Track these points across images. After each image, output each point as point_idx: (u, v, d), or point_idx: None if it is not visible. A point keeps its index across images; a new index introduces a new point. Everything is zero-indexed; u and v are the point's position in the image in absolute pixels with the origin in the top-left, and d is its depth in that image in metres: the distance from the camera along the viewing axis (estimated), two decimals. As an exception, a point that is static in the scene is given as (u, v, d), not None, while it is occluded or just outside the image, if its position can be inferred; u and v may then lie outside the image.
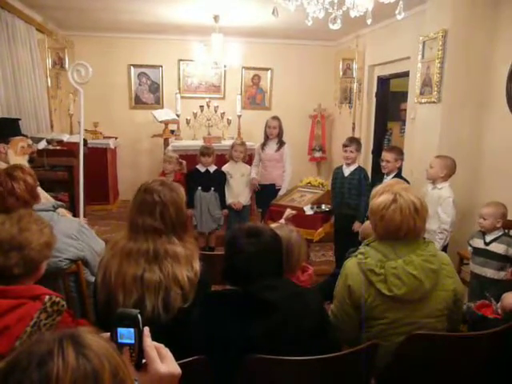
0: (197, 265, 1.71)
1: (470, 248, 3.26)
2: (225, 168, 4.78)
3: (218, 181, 4.64)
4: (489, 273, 3.02)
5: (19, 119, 3.41)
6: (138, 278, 1.63)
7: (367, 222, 2.56)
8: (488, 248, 3.05)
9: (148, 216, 1.70)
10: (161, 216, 1.70)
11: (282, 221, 2.99)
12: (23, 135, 3.36)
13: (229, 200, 4.70)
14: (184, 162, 4.81)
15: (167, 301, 1.61)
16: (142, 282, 1.62)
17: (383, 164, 3.90)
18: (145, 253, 1.66)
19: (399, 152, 3.92)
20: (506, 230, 3.17)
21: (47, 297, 1.57)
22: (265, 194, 4.82)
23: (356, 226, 4.04)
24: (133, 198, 1.79)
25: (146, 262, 1.65)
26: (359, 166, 4.22)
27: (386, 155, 3.88)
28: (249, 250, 1.62)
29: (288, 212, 3.26)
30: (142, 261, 1.65)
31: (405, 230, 1.77)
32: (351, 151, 4.13)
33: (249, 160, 5.05)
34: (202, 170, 4.62)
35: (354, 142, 4.21)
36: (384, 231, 1.81)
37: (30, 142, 3.41)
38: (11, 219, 1.70)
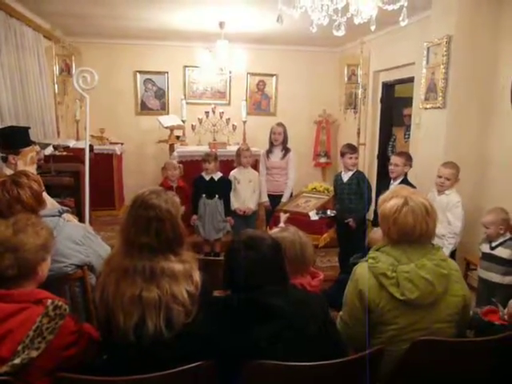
0: (197, 276, 1.67)
1: (480, 253, 3.27)
2: (233, 173, 4.79)
3: (222, 188, 4.64)
4: (494, 277, 3.02)
5: (29, 128, 3.39)
6: (136, 297, 1.57)
7: (375, 229, 2.57)
8: (493, 252, 3.06)
9: (143, 233, 1.63)
10: (156, 233, 1.63)
11: (282, 225, 3.01)
12: (32, 142, 3.37)
13: (234, 205, 4.70)
14: (181, 166, 4.82)
15: (170, 318, 1.57)
16: (141, 301, 1.57)
17: (391, 168, 3.90)
18: (141, 272, 1.60)
19: (408, 157, 3.94)
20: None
21: (49, 301, 1.57)
22: (274, 203, 4.82)
23: (350, 222, 4.07)
24: (127, 210, 1.71)
25: (143, 281, 1.59)
26: (357, 170, 4.25)
27: (395, 159, 3.90)
28: (247, 263, 1.62)
29: (283, 216, 3.33)
30: (138, 280, 1.59)
31: (418, 232, 1.78)
32: (356, 157, 4.18)
33: (254, 165, 5.05)
34: (207, 177, 4.62)
35: (356, 149, 4.28)
36: (397, 235, 1.81)
37: (37, 148, 3.41)
38: (7, 222, 1.70)
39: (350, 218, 4.10)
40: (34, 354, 1.47)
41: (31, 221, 1.74)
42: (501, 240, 3.06)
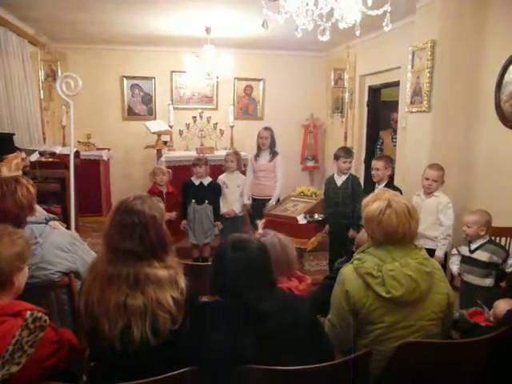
0: (182, 282, 1.66)
1: (454, 253, 3.27)
2: (221, 178, 4.79)
3: (212, 193, 4.64)
4: (474, 280, 3.02)
5: (13, 134, 3.37)
6: (121, 304, 1.56)
7: (362, 232, 2.60)
8: (472, 256, 3.06)
9: (127, 239, 1.62)
10: (140, 239, 1.63)
11: (260, 231, 3.04)
12: (17, 148, 3.34)
13: (223, 210, 4.70)
14: (170, 171, 4.82)
15: (156, 325, 1.56)
16: (126, 308, 1.56)
17: (373, 172, 3.95)
18: (125, 278, 1.59)
19: (389, 160, 3.98)
20: (493, 237, 3.19)
21: (28, 313, 1.53)
22: (259, 207, 4.81)
23: (351, 232, 4.07)
24: (111, 216, 1.70)
25: (128, 288, 1.58)
26: (351, 174, 4.26)
27: (376, 163, 3.93)
28: (236, 265, 1.62)
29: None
30: (123, 287, 1.58)
31: (401, 232, 1.84)
32: (350, 162, 4.20)
33: (244, 170, 5.06)
34: (197, 182, 4.61)
35: (351, 153, 4.28)
36: (382, 236, 1.87)
37: (23, 155, 3.39)
38: None
39: (344, 223, 4.10)
40: (15, 368, 1.44)
41: (7, 230, 1.72)
42: (480, 243, 3.05)
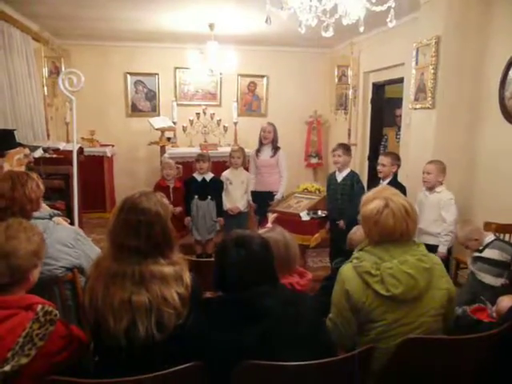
0: (187, 278, 1.66)
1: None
2: (225, 174, 4.79)
3: (214, 189, 4.65)
4: (486, 279, 2.99)
5: (14, 130, 3.38)
6: (126, 301, 1.56)
7: (354, 230, 2.60)
8: (482, 254, 3.04)
9: (133, 237, 1.62)
10: (146, 237, 1.62)
11: (270, 225, 3.04)
12: (20, 145, 3.35)
13: (227, 206, 4.71)
14: (180, 167, 4.82)
15: (161, 321, 1.57)
16: (131, 305, 1.56)
17: (379, 168, 3.94)
18: (130, 276, 1.59)
19: (396, 157, 3.97)
20: (498, 234, 3.18)
21: (39, 306, 1.55)
22: (261, 201, 4.82)
23: (341, 223, 4.08)
24: (116, 213, 1.69)
25: (132, 285, 1.58)
26: (351, 171, 4.25)
27: (383, 159, 3.93)
28: (238, 261, 1.61)
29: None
30: (128, 284, 1.58)
31: (399, 232, 1.83)
32: (338, 155, 4.18)
33: (247, 167, 5.07)
34: (199, 178, 4.62)
35: (340, 146, 4.26)
36: (379, 235, 1.86)
37: (27, 151, 3.39)
38: None
39: (341, 219, 4.09)
40: (24, 360, 1.46)
41: (23, 226, 1.72)
42: (486, 241, 3.04)
